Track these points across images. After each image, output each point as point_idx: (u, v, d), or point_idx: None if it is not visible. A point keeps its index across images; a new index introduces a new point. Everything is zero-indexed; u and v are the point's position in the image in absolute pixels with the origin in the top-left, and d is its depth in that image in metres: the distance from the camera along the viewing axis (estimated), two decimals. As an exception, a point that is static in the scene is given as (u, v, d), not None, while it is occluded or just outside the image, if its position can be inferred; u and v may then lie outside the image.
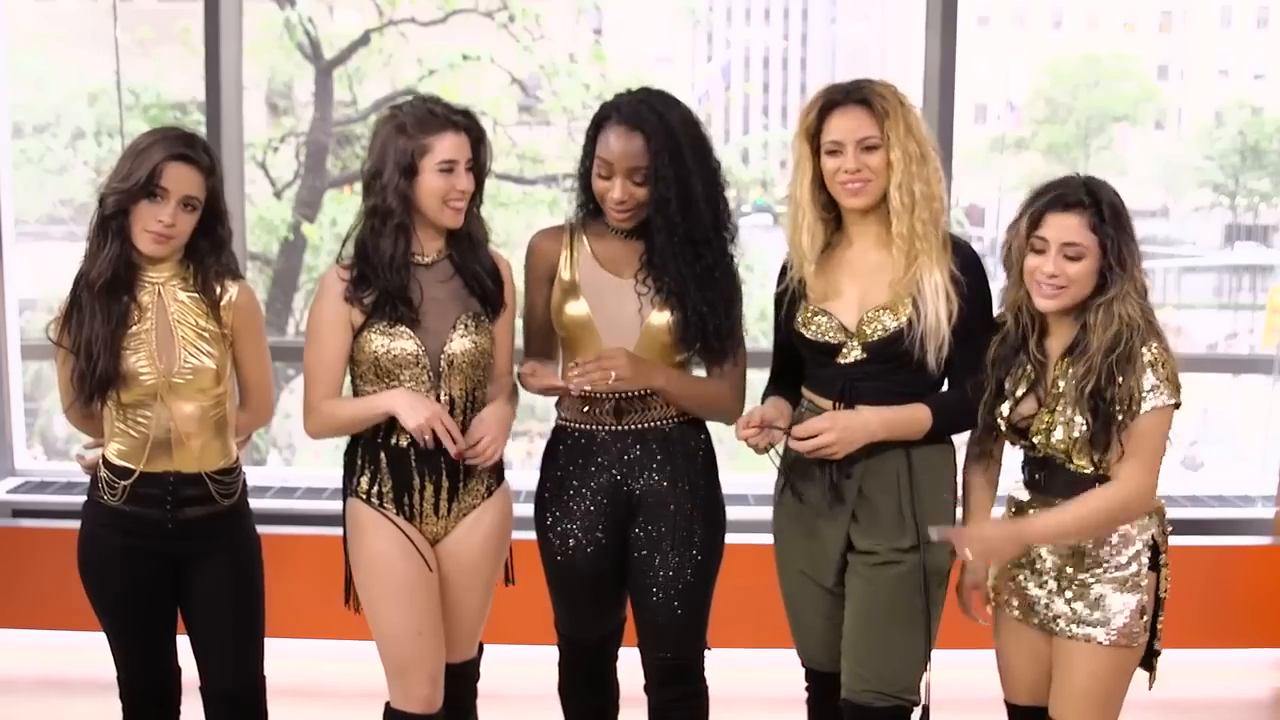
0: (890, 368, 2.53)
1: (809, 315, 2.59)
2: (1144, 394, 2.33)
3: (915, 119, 2.52)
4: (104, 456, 2.63)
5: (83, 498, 2.70)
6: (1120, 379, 2.33)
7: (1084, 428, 2.36)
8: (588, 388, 2.55)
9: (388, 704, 2.67)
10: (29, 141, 6.54)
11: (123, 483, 2.59)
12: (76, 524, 2.68)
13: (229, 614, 2.67)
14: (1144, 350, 2.34)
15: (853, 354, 2.56)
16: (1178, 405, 2.36)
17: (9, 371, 4.45)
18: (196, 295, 2.60)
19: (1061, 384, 2.40)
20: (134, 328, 2.55)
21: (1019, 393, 2.45)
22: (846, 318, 2.56)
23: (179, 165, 2.51)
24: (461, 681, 2.75)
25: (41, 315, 6.31)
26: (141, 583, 2.61)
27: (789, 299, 2.63)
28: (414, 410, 2.51)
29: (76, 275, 2.56)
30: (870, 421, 2.51)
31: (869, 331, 2.54)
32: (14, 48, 5.14)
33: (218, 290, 2.61)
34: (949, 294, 2.50)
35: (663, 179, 2.55)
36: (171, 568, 2.62)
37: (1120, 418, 2.34)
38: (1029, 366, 2.44)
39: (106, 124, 6.69)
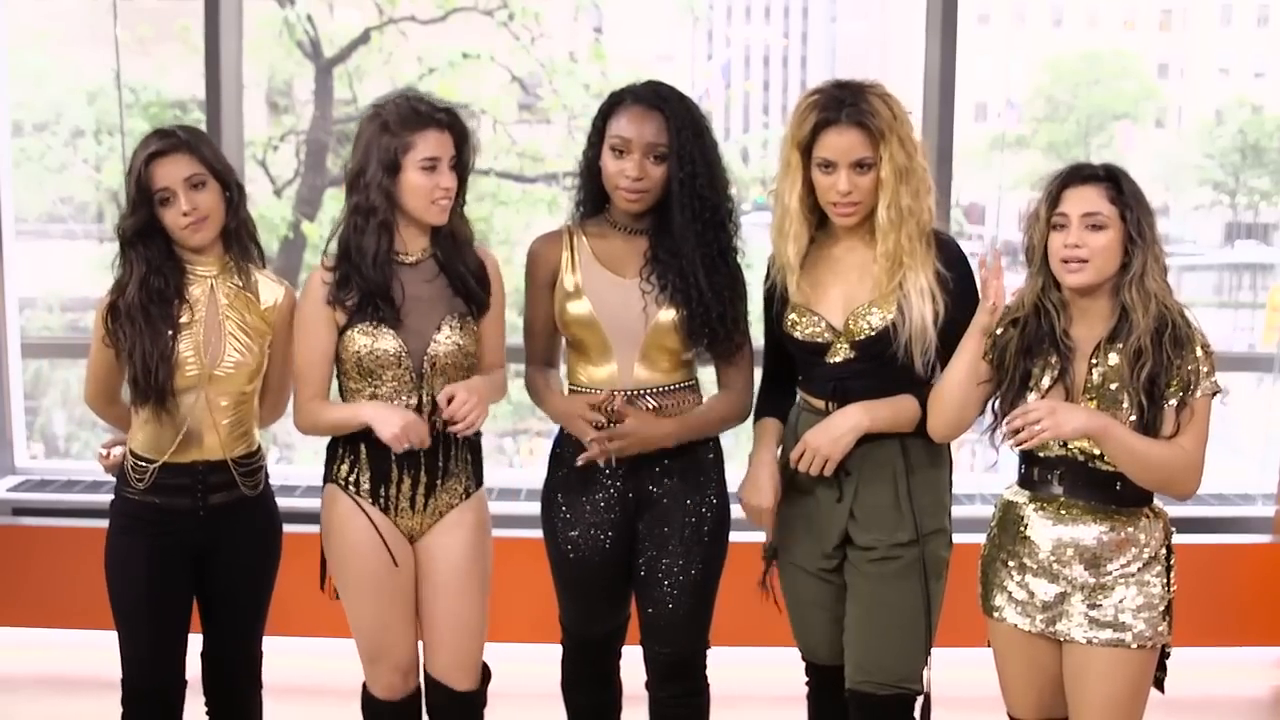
0: (879, 365, 2.53)
1: (797, 316, 2.59)
2: (1201, 378, 2.33)
3: (907, 130, 2.49)
4: (130, 449, 2.67)
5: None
6: (1178, 362, 2.32)
7: (1131, 415, 2.33)
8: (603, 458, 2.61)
9: (364, 682, 2.73)
10: (28, 140, 6.53)
11: (150, 466, 2.62)
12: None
13: (243, 593, 2.74)
14: (1196, 334, 2.35)
15: (841, 353, 2.56)
16: (1218, 393, 2.37)
17: (9, 370, 4.45)
18: (244, 291, 2.66)
19: (1097, 373, 2.37)
20: (184, 320, 2.60)
21: (1045, 383, 2.41)
22: (834, 317, 2.56)
23: (158, 162, 2.56)
24: (465, 711, 2.74)
25: (41, 313, 6.31)
26: (165, 577, 2.65)
27: (777, 298, 2.63)
28: (388, 424, 2.53)
29: (111, 303, 2.60)
30: (852, 417, 2.52)
31: (856, 330, 2.54)
32: (13, 45, 5.14)
33: (263, 289, 2.69)
34: (935, 295, 2.50)
35: (686, 156, 2.55)
36: (196, 559, 2.67)
37: (1178, 399, 2.32)
38: (1054, 357, 2.41)
39: (106, 122, 6.68)
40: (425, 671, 2.74)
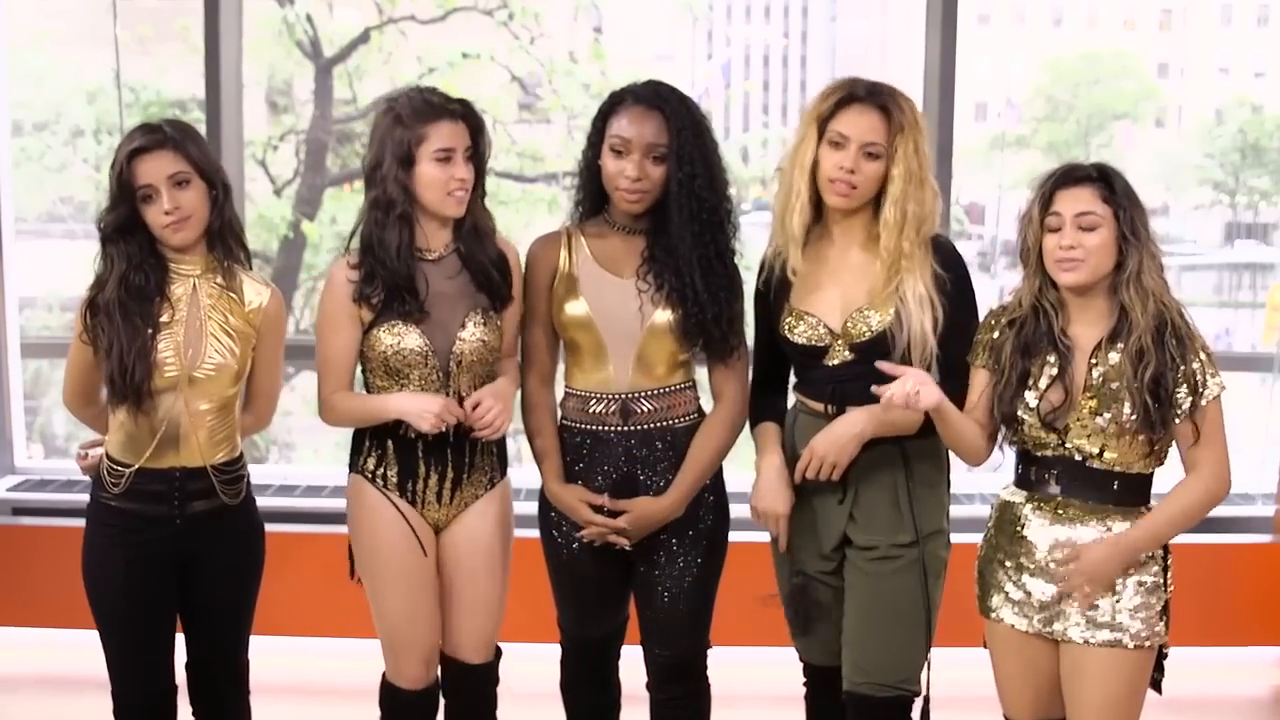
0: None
1: (794, 320, 2.59)
2: (1207, 380, 2.35)
3: (923, 140, 2.52)
4: (106, 452, 2.62)
5: (82, 496, 2.69)
6: (1181, 364, 2.34)
7: (1133, 414, 2.34)
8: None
9: (384, 673, 2.72)
10: (28, 139, 6.53)
11: (126, 471, 2.58)
12: (77, 522, 2.68)
13: (225, 603, 2.69)
14: (1196, 334, 2.37)
15: (840, 355, 2.56)
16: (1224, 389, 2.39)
17: (9, 369, 4.45)
18: (227, 292, 2.62)
19: (1097, 371, 2.38)
20: (164, 319, 2.56)
21: (1043, 383, 2.42)
22: (831, 319, 2.57)
23: (141, 158, 2.51)
24: (480, 684, 2.74)
25: (41, 313, 6.31)
26: (145, 587, 2.60)
27: (773, 296, 2.63)
28: (421, 416, 2.53)
29: (90, 299, 2.56)
30: (857, 423, 2.52)
31: (855, 332, 2.54)
32: (13, 45, 5.14)
33: (247, 290, 2.64)
34: (933, 302, 2.50)
35: (685, 156, 2.55)
36: (176, 566, 2.62)
37: (1189, 403, 2.34)
38: (1053, 356, 2.41)
39: (106, 122, 6.68)
40: (442, 652, 2.73)
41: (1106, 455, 2.39)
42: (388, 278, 2.56)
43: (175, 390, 2.56)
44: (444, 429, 2.55)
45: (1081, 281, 2.37)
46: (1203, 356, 2.36)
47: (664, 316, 2.61)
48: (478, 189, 2.63)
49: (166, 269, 2.58)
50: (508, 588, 2.74)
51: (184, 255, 2.59)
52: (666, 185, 2.57)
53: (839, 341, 2.56)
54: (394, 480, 2.62)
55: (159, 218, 2.52)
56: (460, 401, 2.60)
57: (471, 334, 2.60)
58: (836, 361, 2.57)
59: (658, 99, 2.58)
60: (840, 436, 2.52)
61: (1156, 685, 2.48)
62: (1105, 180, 2.39)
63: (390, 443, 2.62)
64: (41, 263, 6.31)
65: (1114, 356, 2.38)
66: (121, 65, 5.70)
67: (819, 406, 2.60)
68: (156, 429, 2.57)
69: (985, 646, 2.58)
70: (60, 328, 6.30)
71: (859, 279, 2.56)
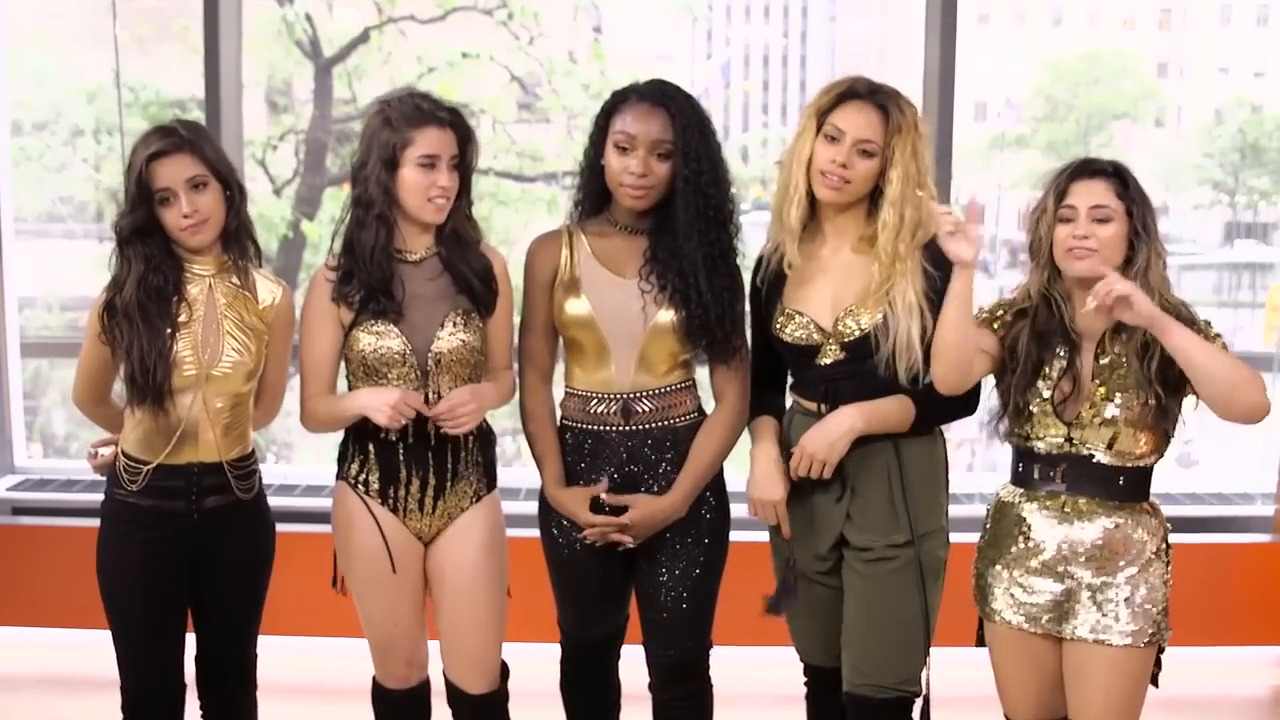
0: (870, 365, 2.53)
1: (785, 319, 2.59)
2: (1212, 330, 2.41)
3: (923, 146, 2.52)
4: (122, 450, 2.64)
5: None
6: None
7: (1143, 404, 2.37)
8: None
9: (374, 675, 2.73)
10: (28, 139, 6.53)
11: (144, 468, 2.60)
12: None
13: (238, 597, 2.71)
14: (1200, 318, 2.42)
15: (832, 354, 2.56)
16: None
17: (9, 369, 4.44)
18: (242, 291, 2.63)
19: (1104, 360, 2.41)
20: (182, 319, 2.57)
21: (1054, 374, 2.44)
22: (822, 318, 2.57)
23: (160, 161, 2.52)
24: (484, 715, 2.73)
25: (40, 313, 6.31)
26: (161, 583, 2.61)
27: (766, 294, 2.63)
28: (379, 411, 2.52)
29: (108, 300, 2.57)
30: (846, 419, 2.52)
31: (845, 330, 2.54)
32: (13, 45, 5.14)
33: (260, 288, 2.65)
34: (922, 311, 2.50)
35: (691, 153, 2.54)
36: (190, 562, 2.64)
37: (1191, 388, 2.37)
38: (1062, 348, 2.43)
39: (106, 122, 6.69)
40: (444, 675, 2.73)
41: (1116, 447, 2.40)
42: (364, 277, 2.56)
43: (193, 389, 2.57)
44: (403, 422, 2.53)
45: (1092, 272, 2.39)
46: (1204, 326, 2.41)
47: (667, 316, 2.61)
48: (463, 197, 2.63)
49: (183, 269, 2.60)
50: (504, 607, 2.72)
51: (199, 256, 2.61)
52: (672, 183, 2.57)
53: (830, 340, 2.56)
54: (376, 487, 2.62)
55: (177, 220, 2.54)
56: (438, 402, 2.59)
57: (450, 334, 2.59)
58: (829, 360, 2.57)
59: (663, 96, 2.58)
60: (830, 434, 2.52)
61: (1154, 679, 2.49)
62: (1120, 176, 2.42)
63: (371, 446, 2.62)
64: (41, 263, 6.32)
65: (1118, 348, 2.41)
66: (121, 65, 5.70)
67: (813, 406, 2.60)
68: (175, 427, 2.58)
69: (980, 645, 2.58)
70: (60, 327, 6.30)
71: (850, 278, 2.57)
